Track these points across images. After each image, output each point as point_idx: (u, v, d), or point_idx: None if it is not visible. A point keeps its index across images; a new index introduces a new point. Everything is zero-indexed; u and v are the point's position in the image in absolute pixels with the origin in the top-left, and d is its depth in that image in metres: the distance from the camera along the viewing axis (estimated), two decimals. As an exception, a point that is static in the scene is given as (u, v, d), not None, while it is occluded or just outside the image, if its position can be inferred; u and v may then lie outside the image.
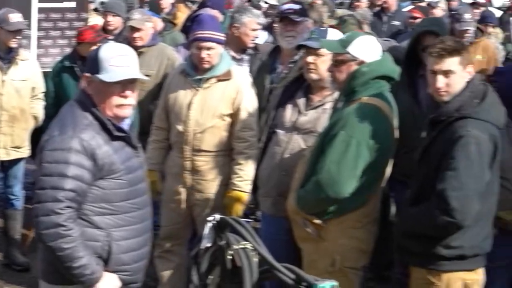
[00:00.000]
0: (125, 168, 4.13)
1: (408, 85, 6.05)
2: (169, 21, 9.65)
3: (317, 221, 5.05)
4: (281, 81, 6.54)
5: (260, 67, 7.00)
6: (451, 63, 4.61)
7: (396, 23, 11.93)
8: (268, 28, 9.14)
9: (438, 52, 4.63)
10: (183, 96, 6.21)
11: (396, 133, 5.14)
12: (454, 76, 4.63)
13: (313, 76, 5.59)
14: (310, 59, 5.58)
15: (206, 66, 6.14)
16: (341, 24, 8.00)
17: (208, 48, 6.10)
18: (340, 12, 10.07)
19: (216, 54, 6.15)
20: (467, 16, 9.37)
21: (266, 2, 12.24)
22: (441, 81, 4.64)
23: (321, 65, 5.54)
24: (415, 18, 10.43)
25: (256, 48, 7.51)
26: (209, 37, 6.11)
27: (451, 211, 4.46)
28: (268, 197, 5.77)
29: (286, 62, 6.72)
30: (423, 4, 12.19)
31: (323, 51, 5.47)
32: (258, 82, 6.70)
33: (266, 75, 6.80)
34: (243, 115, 6.17)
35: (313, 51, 5.56)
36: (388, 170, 5.21)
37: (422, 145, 4.75)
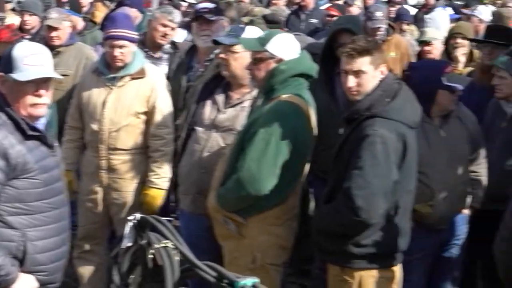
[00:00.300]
0: (39, 167, 4.08)
1: (325, 82, 6.13)
2: (90, 20, 9.57)
3: (238, 219, 5.07)
4: (198, 80, 6.58)
5: (177, 65, 7.01)
6: (362, 63, 4.65)
7: (314, 21, 12.02)
8: (187, 26, 9.13)
9: (349, 52, 4.67)
10: (97, 95, 6.19)
11: (315, 130, 5.19)
12: (365, 76, 4.66)
13: (225, 72, 5.62)
14: (222, 55, 5.62)
15: (119, 64, 6.13)
16: (250, 23, 8.04)
17: (121, 46, 6.10)
18: (258, 10, 10.10)
19: (129, 53, 6.15)
20: (378, 14, 9.52)
21: (185, 1, 12.20)
22: (352, 81, 4.68)
23: (233, 62, 5.55)
24: (332, 16, 10.53)
25: (175, 46, 7.50)
26: (122, 35, 6.11)
27: (356, 209, 4.49)
28: (187, 194, 5.77)
29: (202, 60, 6.74)
30: (340, 2, 12.32)
31: (237, 48, 5.50)
32: (175, 81, 6.72)
33: (183, 73, 6.81)
34: (158, 112, 6.18)
35: (226, 47, 5.59)
36: (307, 166, 5.26)
37: (338, 143, 4.80)
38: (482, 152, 5.88)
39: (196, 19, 6.86)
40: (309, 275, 7.13)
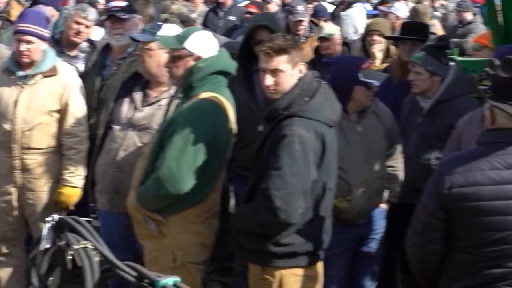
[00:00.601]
0: None
1: (244, 79, 6.14)
2: (6, 19, 9.40)
3: (158, 218, 5.04)
4: (111, 78, 6.55)
5: (92, 64, 6.96)
6: (279, 62, 4.65)
7: (232, 18, 12.04)
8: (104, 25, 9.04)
9: (266, 51, 4.68)
10: (8, 94, 6.10)
11: (234, 128, 5.20)
12: (282, 75, 4.66)
13: (141, 70, 5.60)
14: (138, 53, 5.58)
15: (25, 60, 6.05)
16: (165, 21, 8.01)
17: (28, 42, 6.03)
18: (175, 7, 10.06)
19: (37, 49, 6.06)
20: (300, 8, 9.60)
21: (103, -1, 12.09)
22: (269, 79, 4.69)
23: (148, 59, 5.52)
24: (251, 13, 10.55)
25: (93, 45, 7.43)
26: (29, 31, 6.03)
27: (275, 210, 4.50)
28: (103, 193, 5.73)
29: (116, 59, 6.70)
30: (259, -1, 12.36)
31: (152, 45, 5.47)
32: (89, 79, 6.67)
33: (97, 72, 6.76)
34: (71, 110, 6.13)
35: (142, 45, 5.55)
36: (226, 164, 5.25)
37: (258, 141, 4.79)
38: (399, 147, 5.96)
39: (108, 18, 6.81)
40: (231, 272, 7.15)
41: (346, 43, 8.89)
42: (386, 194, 5.90)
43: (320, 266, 4.88)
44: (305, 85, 4.68)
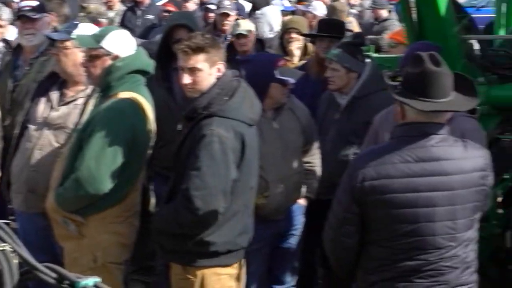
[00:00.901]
0: None
1: (163, 78, 6.13)
2: None
3: (77, 218, 5.00)
4: (24, 78, 6.46)
5: (4, 64, 6.86)
6: (197, 60, 4.64)
7: (150, 17, 11.99)
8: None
9: (183, 49, 4.67)
10: None
11: (153, 127, 5.18)
12: (200, 74, 4.65)
13: (55, 68, 5.55)
14: (53, 52, 5.53)
15: None
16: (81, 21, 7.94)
17: None
18: (93, 7, 9.98)
19: None
20: (226, 2, 9.67)
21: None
22: (187, 78, 4.68)
23: (64, 58, 5.47)
24: (169, 11, 10.53)
25: (8, 44, 7.32)
26: None
27: (195, 210, 4.49)
28: (19, 193, 5.66)
29: (28, 59, 6.62)
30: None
31: (68, 44, 5.43)
32: (1, 81, 6.58)
33: (9, 73, 6.67)
34: None
35: (58, 44, 5.50)
36: (146, 162, 5.24)
37: (178, 141, 4.78)
38: (315, 143, 6.03)
39: (19, 18, 6.72)
40: (153, 271, 7.12)
41: (260, 41, 8.92)
42: (304, 190, 5.95)
43: (242, 264, 4.90)
44: (224, 84, 4.68)
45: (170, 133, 5.27)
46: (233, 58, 8.35)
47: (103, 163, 4.83)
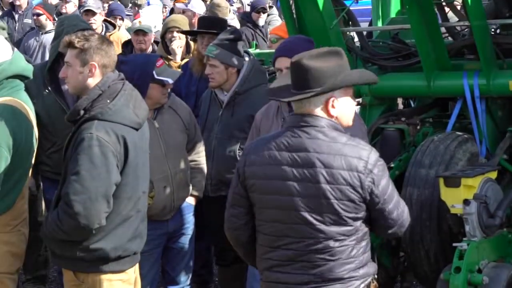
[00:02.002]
0: None
1: (51, 80, 6.01)
2: None
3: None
4: None
5: None
6: (70, 55, 4.59)
7: (28, 21, 11.79)
8: None
9: (63, 44, 4.65)
10: None
11: (35, 131, 5.07)
12: (71, 69, 4.58)
13: None
14: None
15: None
16: None
17: None
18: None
19: None
20: (90, 1, 9.64)
21: None
22: (63, 71, 4.65)
23: None
24: (39, 14, 10.42)
25: None
26: None
27: (75, 215, 4.40)
28: None
29: None
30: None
31: None
32: None
33: None
34: None
35: None
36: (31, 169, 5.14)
37: (65, 145, 4.71)
38: (200, 141, 6.03)
39: None
40: (45, 280, 7.03)
41: (157, 42, 8.88)
42: (190, 188, 5.96)
43: (136, 269, 4.84)
44: (106, 87, 4.61)
45: (62, 137, 5.15)
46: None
47: None
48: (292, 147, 3.96)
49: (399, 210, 4.07)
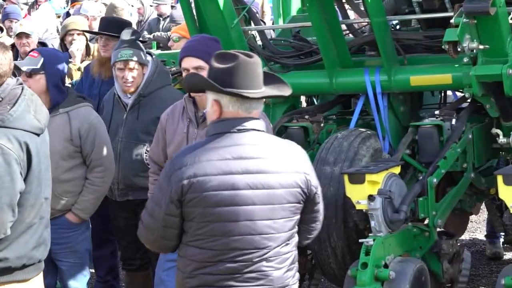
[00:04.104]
0: None
1: None
2: None
3: None
4: None
5: None
6: None
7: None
8: None
9: None
10: None
11: None
12: None
13: None
14: None
15: None
16: None
17: None
18: None
19: None
20: None
21: None
22: None
23: None
24: None
25: None
26: None
27: None
28: None
29: None
30: None
31: None
32: None
33: None
34: None
35: None
36: None
37: None
38: (97, 159, 5.81)
39: None
40: None
41: (42, 43, 8.68)
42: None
43: (40, 278, 4.70)
44: (6, 93, 4.46)
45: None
46: (15, 59, 8.13)
47: None
48: (240, 155, 3.81)
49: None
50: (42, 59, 5.77)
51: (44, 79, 5.76)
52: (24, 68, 5.62)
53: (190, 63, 5.13)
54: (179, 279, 3.99)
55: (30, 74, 5.74)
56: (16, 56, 8.28)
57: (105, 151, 5.82)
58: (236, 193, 3.79)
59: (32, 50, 5.85)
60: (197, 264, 3.86)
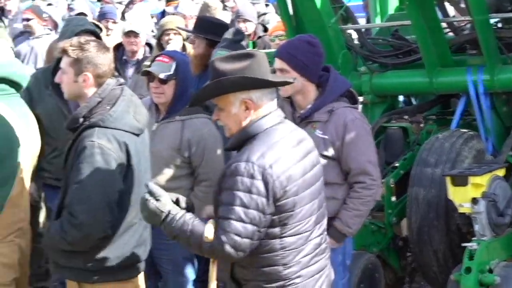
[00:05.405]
0: None
1: (53, 85, 5.84)
2: None
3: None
4: None
5: None
6: (64, 62, 4.44)
7: (18, 25, 11.66)
8: None
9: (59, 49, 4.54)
10: None
11: (16, 137, 4.86)
12: (65, 77, 4.44)
13: None
14: None
15: None
16: None
17: None
18: None
19: None
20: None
21: None
22: (58, 77, 4.53)
23: None
24: (29, 19, 10.30)
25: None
26: None
27: (80, 225, 4.26)
28: None
29: None
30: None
31: None
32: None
33: None
34: None
35: None
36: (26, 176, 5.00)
37: (65, 152, 4.58)
38: (203, 173, 5.60)
39: None
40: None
41: (149, 44, 8.74)
42: None
43: (141, 279, 4.71)
44: (106, 93, 4.47)
45: (63, 142, 4.96)
46: (120, 58, 8.21)
47: None
48: (298, 139, 3.88)
49: None
50: (174, 64, 5.47)
51: (175, 85, 5.44)
52: (161, 76, 5.39)
53: (276, 64, 5.05)
54: (275, 275, 3.86)
55: (165, 80, 5.42)
56: (122, 55, 8.35)
57: (213, 166, 5.48)
58: (309, 173, 3.84)
59: (161, 55, 5.63)
60: (294, 252, 3.81)
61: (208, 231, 3.70)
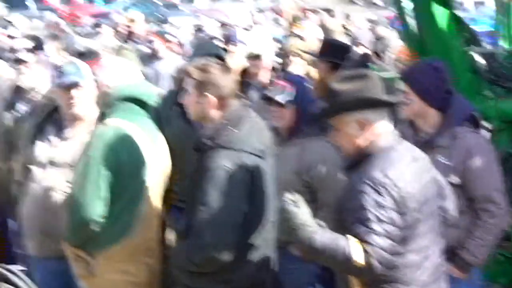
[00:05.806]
0: None
1: (181, 106, 5.90)
2: None
3: (85, 256, 4.82)
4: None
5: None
6: (187, 83, 4.55)
7: (142, 48, 11.92)
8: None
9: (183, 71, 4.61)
10: None
11: (146, 156, 4.94)
12: (188, 97, 4.55)
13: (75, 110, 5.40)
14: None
15: None
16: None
17: None
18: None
19: None
20: None
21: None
22: (185, 96, 4.62)
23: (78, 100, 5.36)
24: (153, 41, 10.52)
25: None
26: None
27: (206, 247, 4.32)
28: (33, 238, 5.45)
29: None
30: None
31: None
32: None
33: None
34: None
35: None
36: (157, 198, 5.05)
37: (190, 174, 4.61)
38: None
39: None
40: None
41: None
42: None
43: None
44: (231, 115, 4.51)
45: (191, 165, 5.04)
46: (243, 81, 8.27)
47: (87, 188, 4.67)
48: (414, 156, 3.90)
49: None
50: (293, 88, 5.45)
51: (294, 109, 5.44)
52: (280, 100, 5.40)
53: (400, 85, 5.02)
54: None
55: (284, 104, 5.43)
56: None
57: (335, 189, 5.18)
58: (429, 188, 3.89)
59: (280, 78, 5.66)
60: (415, 269, 3.80)
61: (355, 252, 3.64)
